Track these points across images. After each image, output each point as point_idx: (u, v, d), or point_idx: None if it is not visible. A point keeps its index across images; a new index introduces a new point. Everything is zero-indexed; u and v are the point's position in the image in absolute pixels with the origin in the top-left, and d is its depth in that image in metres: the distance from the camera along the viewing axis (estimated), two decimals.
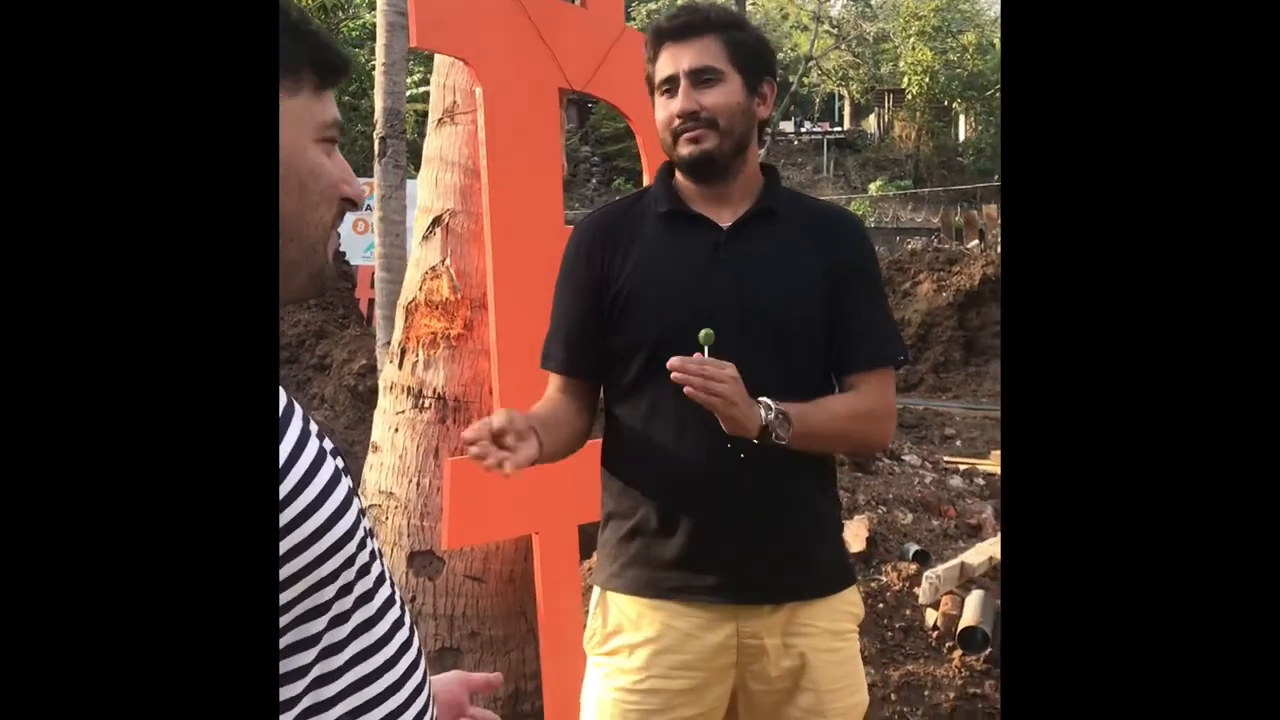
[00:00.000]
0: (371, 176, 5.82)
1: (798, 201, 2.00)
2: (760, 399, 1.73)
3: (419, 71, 15.58)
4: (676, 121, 1.85)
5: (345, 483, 0.97)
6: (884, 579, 4.26)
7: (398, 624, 1.04)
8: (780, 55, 25.51)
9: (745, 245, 1.87)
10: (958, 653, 3.94)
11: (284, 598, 0.90)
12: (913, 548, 4.42)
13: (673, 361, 1.66)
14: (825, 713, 1.88)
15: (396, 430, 3.07)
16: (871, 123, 32.52)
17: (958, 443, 7.82)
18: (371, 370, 7.32)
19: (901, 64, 28.92)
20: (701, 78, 1.84)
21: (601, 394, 1.99)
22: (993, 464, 6.64)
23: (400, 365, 3.08)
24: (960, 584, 4.13)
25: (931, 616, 4.08)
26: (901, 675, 3.89)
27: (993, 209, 18.64)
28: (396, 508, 3.03)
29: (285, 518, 0.88)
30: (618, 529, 1.93)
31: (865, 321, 1.92)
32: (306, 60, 0.97)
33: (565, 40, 2.91)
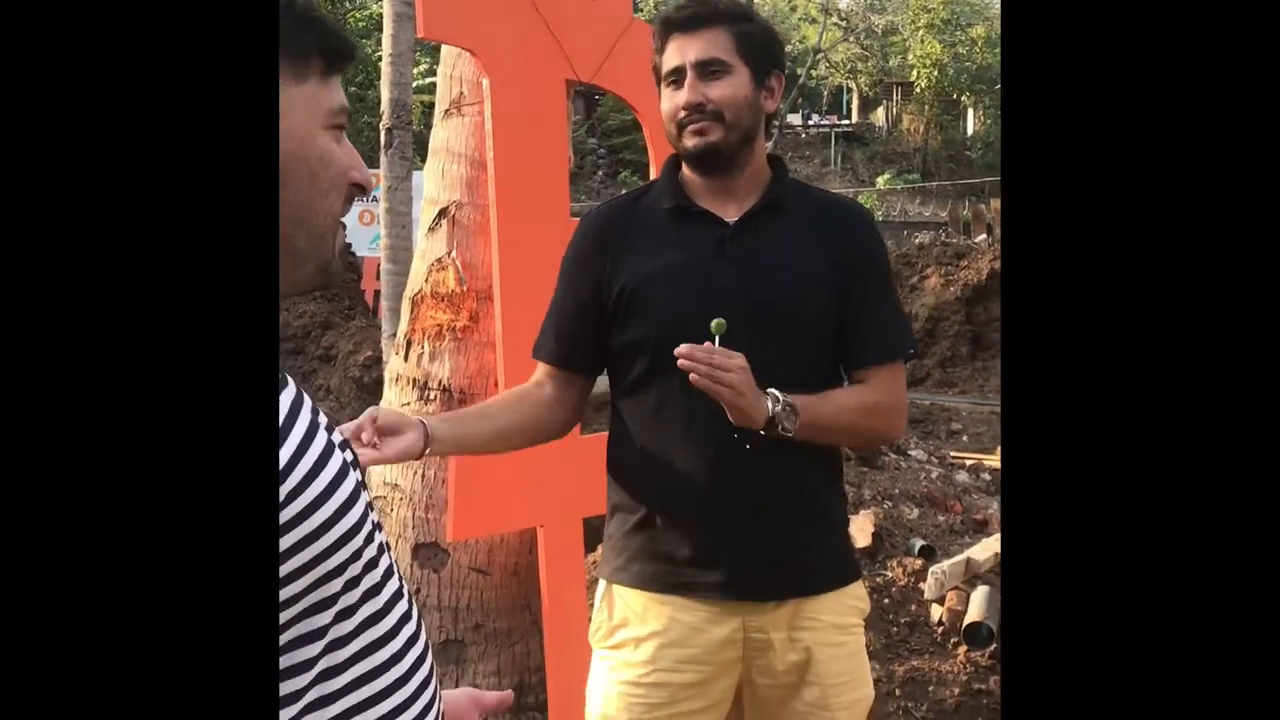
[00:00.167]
0: (378, 168, 5.82)
1: (805, 194, 1.98)
2: (768, 390, 1.73)
3: (425, 62, 15.58)
4: (682, 113, 1.84)
5: (353, 476, 0.97)
6: (889, 574, 4.25)
7: (405, 618, 1.04)
8: (788, 48, 25.45)
9: (751, 240, 1.86)
10: (963, 648, 3.93)
11: (290, 591, 0.90)
12: (918, 543, 4.42)
13: (681, 349, 1.66)
14: (830, 707, 1.87)
15: None
16: (880, 116, 32.50)
17: (964, 438, 7.81)
18: (377, 362, 7.32)
19: (910, 57, 28.88)
20: (708, 69, 1.83)
21: (607, 388, 1.98)
22: (999, 459, 6.63)
23: (405, 357, 3.08)
24: (966, 579, 4.13)
25: (937, 612, 4.08)
26: (906, 670, 3.89)
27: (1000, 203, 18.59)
28: (401, 500, 3.02)
29: (291, 511, 0.88)
30: (623, 522, 1.92)
31: (875, 315, 1.91)
32: (313, 47, 0.96)
33: (572, 31, 2.90)
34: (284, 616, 0.90)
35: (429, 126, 3.28)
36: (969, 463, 5.82)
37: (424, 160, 3.25)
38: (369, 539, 0.98)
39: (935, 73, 27.89)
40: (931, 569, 4.15)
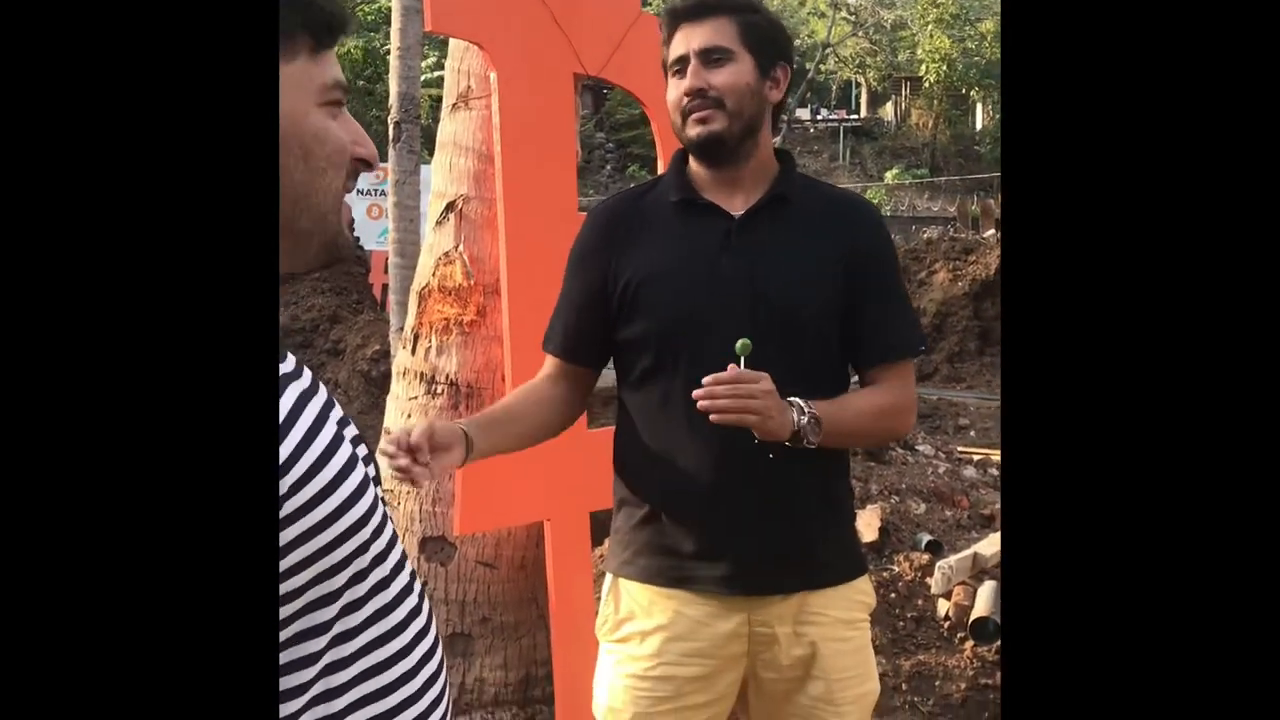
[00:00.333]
0: (386, 162, 5.81)
1: (813, 189, 1.98)
2: (792, 400, 1.73)
3: (434, 56, 15.57)
4: (685, 100, 1.84)
5: (361, 470, 0.96)
6: (896, 569, 4.25)
7: (414, 612, 1.03)
8: (797, 42, 25.41)
9: (757, 233, 1.86)
10: (969, 643, 3.93)
11: (293, 584, 0.89)
12: (925, 538, 4.41)
13: (701, 389, 1.65)
14: (835, 701, 1.87)
15: (409, 416, 3.07)
16: (888, 110, 32.44)
17: (972, 433, 7.81)
18: (385, 356, 7.32)
19: (919, 51, 28.80)
20: (711, 57, 1.83)
21: (615, 382, 1.98)
22: None
23: (413, 351, 3.08)
24: (973, 574, 4.12)
25: (944, 607, 4.08)
26: (913, 665, 3.88)
27: None
28: (409, 493, 3.03)
29: (294, 504, 0.87)
30: (630, 516, 1.93)
31: (885, 312, 1.91)
32: (299, 23, 0.93)
33: (580, 25, 2.89)
34: (288, 610, 0.90)
35: (437, 120, 3.28)
36: (976, 458, 5.81)
37: (432, 154, 3.25)
38: (377, 533, 0.97)
39: (944, 67, 27.81)
40: (938, 564, 4.15)
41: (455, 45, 3.13)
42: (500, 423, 1.88)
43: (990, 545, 4.26)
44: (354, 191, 1.03)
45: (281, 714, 0.90)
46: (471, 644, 3.00)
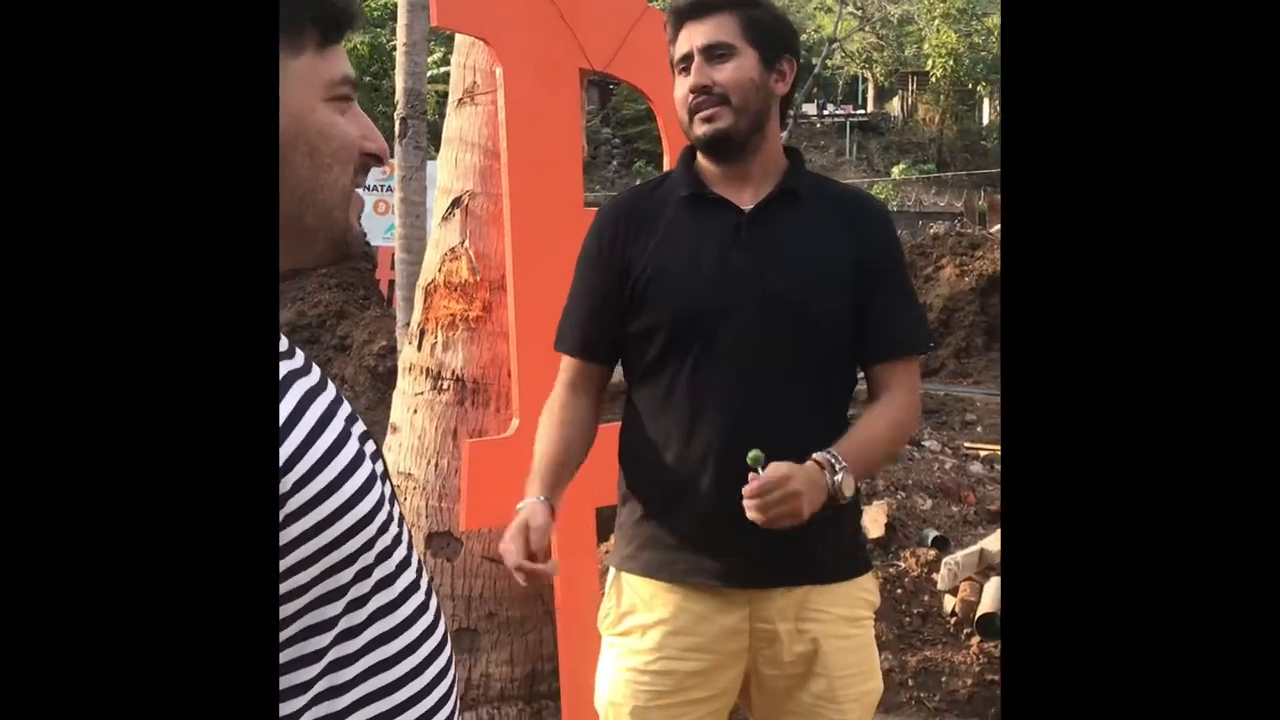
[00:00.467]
0: (392, 157, 5.81)
1: (822, 185, 1.98)
2: (816, 458, 1.73)
3: (440, 51, 15.57)
4: (690, 97, 1.84)
5: (368, 466, 0.96)
6: (902, 565, 4.25)
7: (421, 609, 1.03)
8: (804, 37, 25.32)
9: (767, 228, 1.86)
10: (976, 639, 3.93)
11: (298, 581, 0.89)
12: (932, 533, 4.41)
13: (757, 517, 1.65)
14: (838, 699, 1.87)
15: (415, 411, 3.07)
16: (895, 105, 32.37)
17: (979, 428, 7.78)
18: (392, 351, 7.34)
19: (926, 46, 28.73)
20: (714, 53, 1.83)
21: (622, 377, 1.98)
22: None
23: (419, 347, 3.09)
24: (979, 570, 4.12)
25: (950, 603, 4.08)
26: (919, 661, 3.89)
27: None
28: (415, 489, 3.03)
29: (299, 500, 0.87)
30: (633, 511, 1.93)
31: (892, 309, 1.91)
32: (307, 17, 0.92)
33: (586, 20, 2.89)
34: (293, 606, 0.90)
35: (444, 116, 3.28)
36: (983, 453, 5.80)
37: (439, 150, 3.26)
38: (383, 529, 0.97)
39: (951, 62, 27.74)
40: (945, 560, 4.15)
41: (461, 40, 3.13)
42: (563, 473, 1.88)
43: (996, 541, 4.26)
44: (361, 187, 1.02)
45: (285, 711, 0.90)
46: (477, 639, 3.00)
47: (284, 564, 0.87)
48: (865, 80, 33.24)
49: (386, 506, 0.99)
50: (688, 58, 1.85)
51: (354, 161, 0.97)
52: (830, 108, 32.08)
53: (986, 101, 29.86)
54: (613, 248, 1.91)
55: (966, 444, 6.21)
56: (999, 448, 6.88)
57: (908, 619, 4.08)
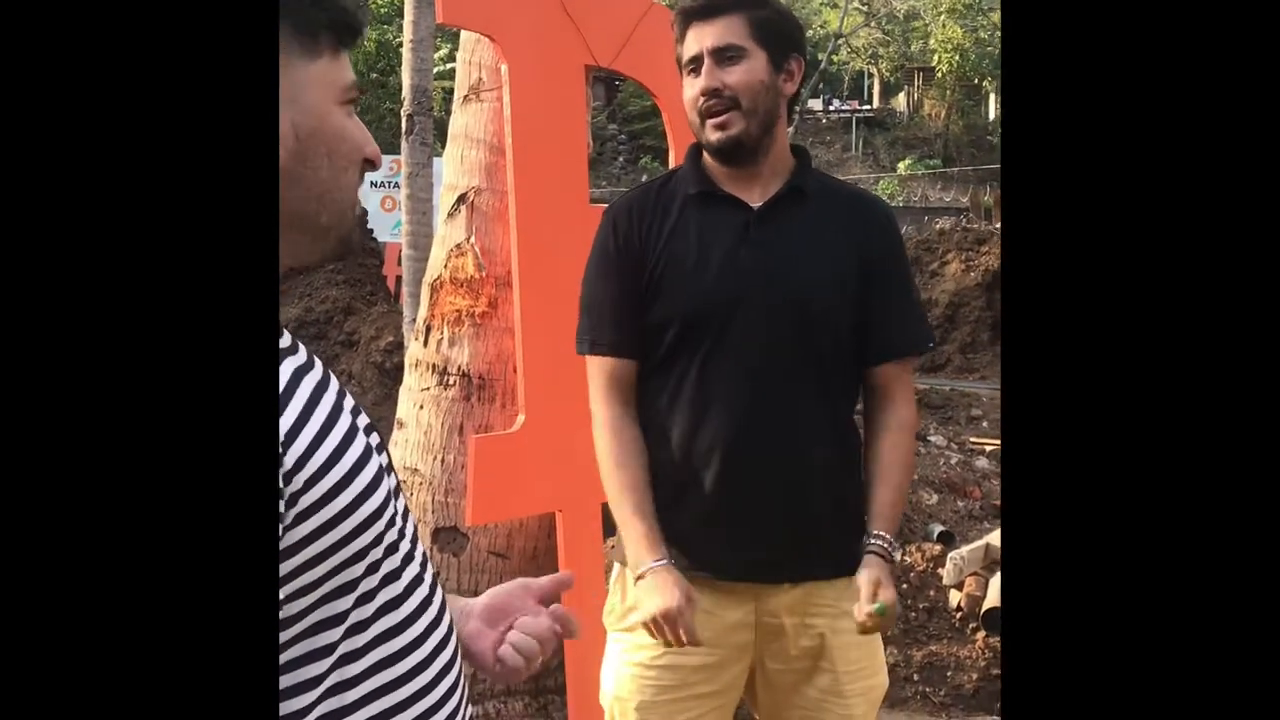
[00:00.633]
0: (399, 154, 5.82)
1: (827, 183, 2.00)
2: (879, 554, 1.83)
3: (446, 48, 15.57)
4: (701, 100, 1.85)
5: (375, 460, 0.97)
6: (908, 560, 4.25)
7: (426, 602, 1.04)
8: (810, 32, 25.32)
9: (776, 226, 1.87)
10: (981, 634, 3.93)
11: (311, 576, 0.90)
12: (937, 528, 4.41)
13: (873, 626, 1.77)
14: (843, 694, 1.88)
15: (421, 407, 3.08)
16: (901, 101, 32.30)
17: (984, 424, 7.77)
18: (399, 347, 7.34)
19: (931, 42, 28.67)
20: (724, 55, 1.83)
21: None
22: None
23: (425, 342, 3.09)
24: (985, 565, 4.13)
25: (955, 597, 4.08)
26: (924, 656, 3.89)
27: None
28: (421, 484, 3.04)
29: (311, 497, 0.88)
30: None
31: (896, 309, 1.94)
32: (324, 24, 0.96)
33: (591, 17, 2.89)
34: (306, 601, 0.91)
35: (449, 112, 3.28)
36: (988, 448, 5.80)
37: (445, 146, 3.26)
38: (391, 524, 0.99)
39: (957, 58, 27.67)
40: (950, 555, 4.15)
41: (466, 37, 3.13)
42: (651, 503, 1.87)
43: None
44: (368, 184, 1.05)
45: (297, 705, 0.91)
46: None
47: (296, 561, 0.89)
48: (871, 76, 33.18)
49: (393, 501, 1.00)
50: (697, 59, 1.85)
51: (360, 165, 1.01)
52: (836, 103, 32.02)
53: (992, 97, 29.79)
54: (629, 241, 1.91)
55: (972, 439, 6.21)
56: None
57: (913, 614, 4.08)
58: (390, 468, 1.05)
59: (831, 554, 1.89)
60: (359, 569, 0.95)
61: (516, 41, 2.76)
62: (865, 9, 27.77)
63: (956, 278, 13.12)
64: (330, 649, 0.94)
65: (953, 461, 5.37)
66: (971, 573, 4.08)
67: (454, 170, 3.11)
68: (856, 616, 1.75)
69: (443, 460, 3.02)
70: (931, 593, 4.15)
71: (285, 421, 0.88)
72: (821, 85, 29.43)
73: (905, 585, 4.13)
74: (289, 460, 0.87)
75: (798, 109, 1.99)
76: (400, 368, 3.79)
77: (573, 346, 1.97)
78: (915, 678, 3.83)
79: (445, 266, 3.06)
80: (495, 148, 2.98)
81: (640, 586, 1.79)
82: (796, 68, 1.91)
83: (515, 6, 2.77)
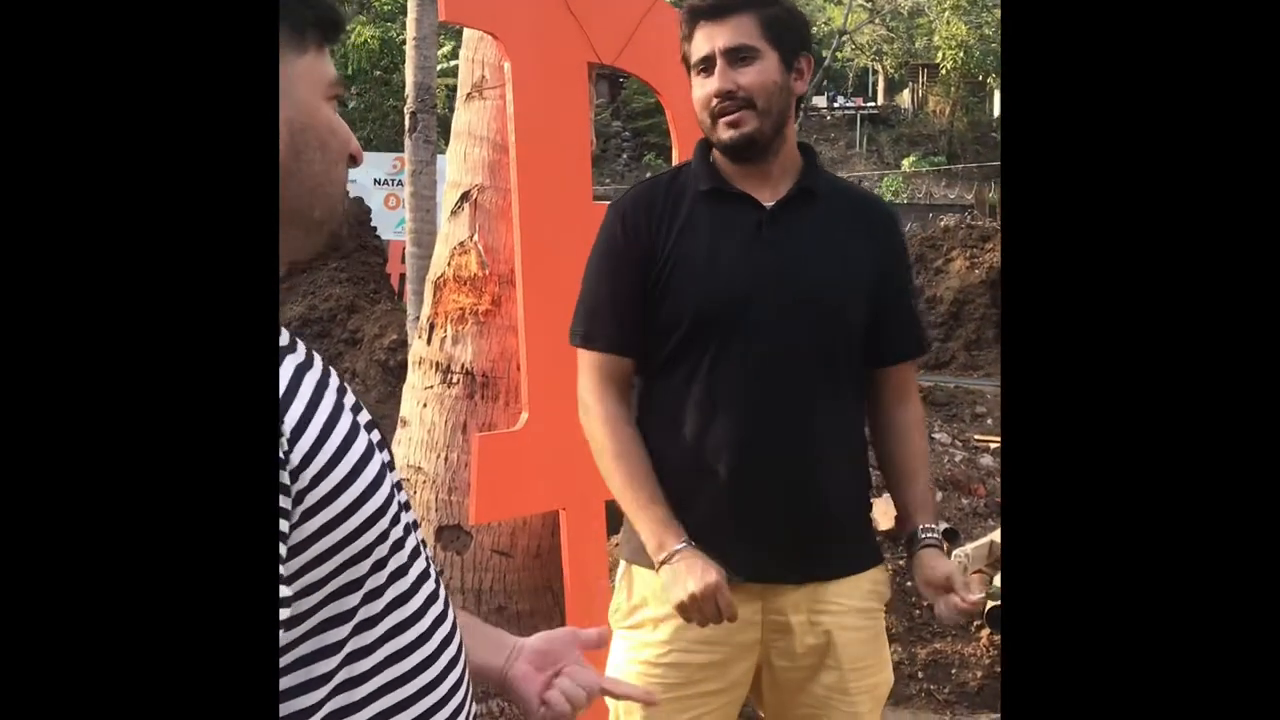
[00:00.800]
0: (402, 151, 5.82)
1: (834, 183, 2.01)
2: (931, 544, 1.91)
3: (449, 45, 15.57)
4: (714, 102, 1.84)
5: (379, 457, 0.98)
6: None
7: (432, 598, 1.05)
8: (814, 29, 25.22)
9: (788, 225, 1.87)
10: (986, 631, 3.93)
11: (318, 574, 0.91)
12: (942, 526, 4.40)
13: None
14: (849, 691, 1.88)
15: (425, 405, 3.08)
16: (905, 98, 32.30)
17: (989, 421, 7.76)
18: (402, 345, 7.34)
19: (936, 38, 28.62)
20: (738, 56, 1.83)
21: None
22: None
23: (429, 340, 3.09)
24: (989, 563, 4.12)
25: None
26: (929, 653, 3.89)
27: None
28: (424, 482, 3.04)
29: (317, 495, 0.89)
30: None
31: (901, 312, 1.97)
32: (310, 19, 0.96)
33: (594, 14, 2.89)
34: (313, 599, 0.91)
35: (453, 109, 3.28)
36: (993, 446, 5.79)
37: (448, 144, 3.26)
38: (395, 520, 0.99)
39: (961, 54, 27.61)
40: (955, 552, 4.14)
41: (469, 35, 3.13)
42: (661, 497, 1.85)
43: None
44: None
45: (307, 703, 0.91)
46: None
47: (303, 559, 0.89)
48: (875, 73, 33.16)
49: (396, 497, 1.01)
50: (708, 60, 1.84)
51: (346, 159, 1.02)
52: (840, 100, 32.02)
53: (997, 93, 29.72)
54: (637, 236, 1.89)
55: (977, 437, 6.20)
56: None
57: (917, 611, 4.08)
58: (391, 464, 1.05)
59: (840, 553, 1.89)
60: (365, 566, 0.95)
61: (519, 39, 2.75)
62: (869, 5, 27.75)
63: (961, 275, 13.11)
64: (339, 646, 0.94)
65: (957, 459, 5.36)
66: (976, 570, 4.07)
67: (457, 168, 3.10)
68: (959, 606, 1.79)
69: (446, 458, 3.02)
70: None
71: (290, 419, 0.88)
72: (825, 82, 29.41)
73: (909, 583, 4.12)
74: (295, 457, 0.87)
75: (802, 106, 1.99)
76: (404, 365, 3.79)
77: (575, 347, 1.96)
78: (920, 675, 3.83)
79: (448, 264, 3.05)
80: (498, 145, 2.98)
81: (667, 572, 1.77)
82: (806, 66, 1.90)
83: (518, 4, 2.76)
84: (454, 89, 3.47)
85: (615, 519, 2.90)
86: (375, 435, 1.02)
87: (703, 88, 1.86)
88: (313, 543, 0.89)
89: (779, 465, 1.83)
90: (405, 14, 6.31)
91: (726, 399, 1.82)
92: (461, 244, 3.03)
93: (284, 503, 0.85)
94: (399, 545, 1.00)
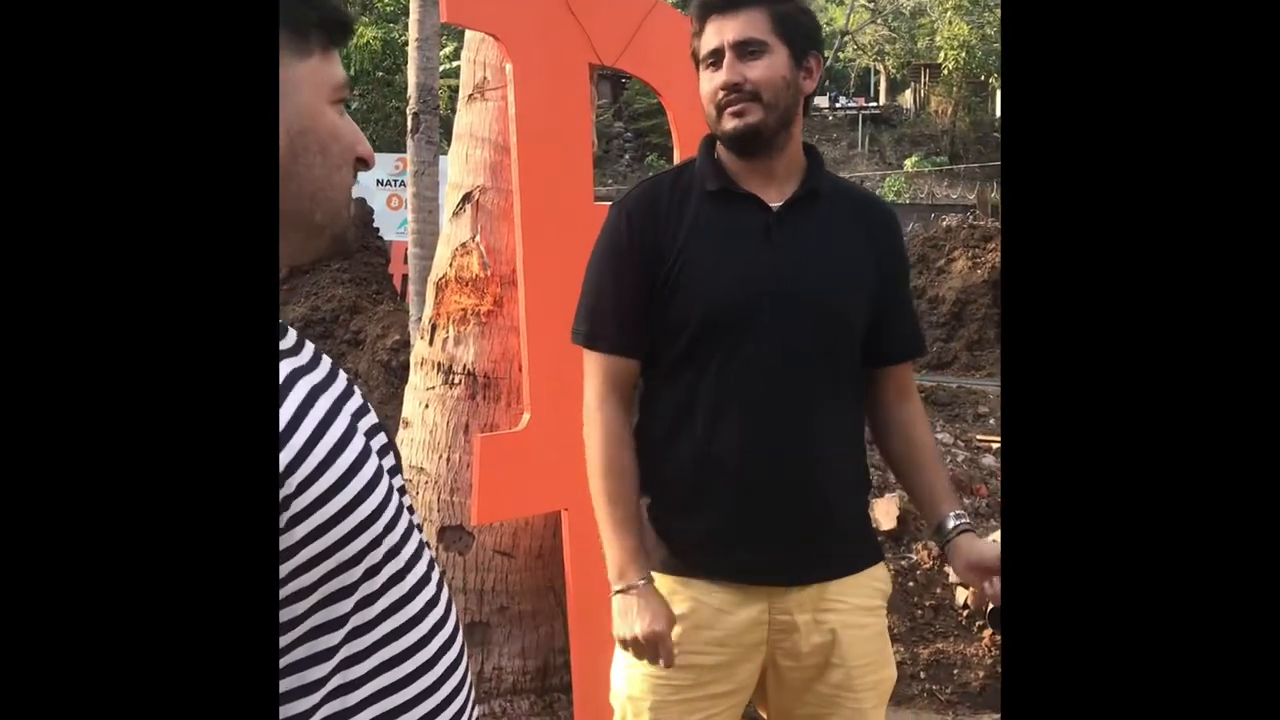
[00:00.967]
0: (405, 152, 5.82)
1: (838, 185, 2.00)
2: (965, 528, 1.89)
3: (452, 45, 15.57)
4: (720, 94, 1.83)
5: (374, 463, 0.97)
6: (914, 557, 4.25)
7: (431, 603, 1.03)
8: None
9: (795, 227, 1.87)
10: (988, 631, 3.93)
11: (307, 580, 0.90)
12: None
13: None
14: (855, 688, 1.88)
15: (427, 406, 3.08)
16: (907, 98, 32.26)
17: (991, 421, 7.76)
18: (405, 346, 7.35)
19: (938, 38, 28.59)
20: (747, 49, 1.82)
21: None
22: None
23: (431, 341, 3.10)
24: None
25: (962, 595, 4.08)
26: (931, 653, 3.89)
27: None
28: (427, 483, 3.04)
29: (304, 501, 0.88)
30: (649, 506, 1.92)
31: (901, 314, 1.98)
32: (314, 22, 0.95)
33: (596, 15, 2.89)
34: (302, 606, 0.91)
35: (455, 110, 3.29)
36: (995, 446, 5.79)
37: (450, 144, 3.26)
38: (390, 526, 0.98)
39: (963, 54, 27.58)
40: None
41: (471, 37, 3.13)
42: (635, 513, 1.87)
43: None
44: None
45: (298, 709, 0.91)
46: (489, 633, 3.01)
47: (291, 564, 0.88)
48: (877, 73, 33.14)
49: (395, 502, 1.00)
50: (717, 53, 1.84)
51: (353, 164, 1.01)
52: (842, 100, 31.97)
53: (999, 93, 29.70)
54: (642, 236, 1.88)
55: (979, 437, 6.20)
56: None
57: (920, 611, 4.08)
58: (397, 469, 1.04)
59: (843, 552, 1.90)
60: (357, 573, 0.94)
61: (521, 40, 2.76)
62: (871, 6, 27.73)
63: (963, 275, 13.11)
64: (331, 652, 0.93)
65: (959, 459, 5.36)
66: None
67: (459, 169, 3.11)
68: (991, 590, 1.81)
69: (448, 459, 3.03)
70: (938, 590, 4.15)
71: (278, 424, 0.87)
72: (828, 82, 29.38)
73: (912, 583, 4.13)
74: (280, 463, 0.86)
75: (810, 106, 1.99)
76: (406, 367, 3.79)
77: (578, 345, 1.95)
78: (922, 675, 3.83)
79: (450, 265, 3.06)
80: (500, 146, 2.98)
81: (621, 601, 1.79)
82: (816, 65, 1.90)
83: (519, 5, 2.77)
84: (456, 90, 3.48)
85: None
86: (381, 439, 1.02)
87: (710, 81, 1.85)
88: (300, 549, 0.88)
89: (786, 466, 1.83)
90: (408, 15, 6.31)
91: (734, 402, 1.82)
92: (463, 245, 3.04)
93: None
94: (394, 552, 0.99)
